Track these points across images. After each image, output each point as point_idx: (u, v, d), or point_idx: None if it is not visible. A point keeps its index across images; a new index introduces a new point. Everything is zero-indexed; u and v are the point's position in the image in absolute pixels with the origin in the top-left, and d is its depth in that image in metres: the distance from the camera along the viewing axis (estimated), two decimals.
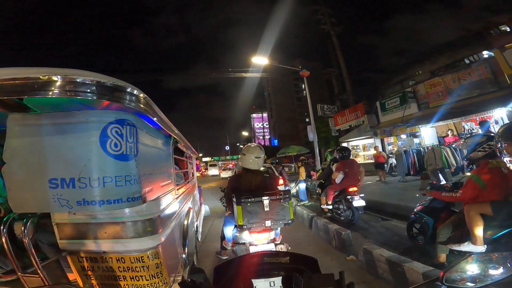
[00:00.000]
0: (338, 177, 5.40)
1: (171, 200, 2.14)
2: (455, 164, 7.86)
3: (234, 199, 2.50)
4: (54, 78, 1.06)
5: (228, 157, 56.92)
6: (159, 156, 2.04)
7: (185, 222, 2.79)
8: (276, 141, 59.73)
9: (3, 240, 1.31)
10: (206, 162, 47.95)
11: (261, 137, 68.04)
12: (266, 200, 2.49)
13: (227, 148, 63.27)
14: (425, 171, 7.78)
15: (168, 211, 1.94)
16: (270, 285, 1.01)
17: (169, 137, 2.42)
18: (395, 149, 13.43)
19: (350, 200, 5.09)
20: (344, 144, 14.97)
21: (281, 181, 8.13)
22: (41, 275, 1.31)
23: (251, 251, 2.60)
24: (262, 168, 3.17)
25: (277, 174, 8.95)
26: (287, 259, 1.08)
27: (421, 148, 9.94)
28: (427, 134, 11.59)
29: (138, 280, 1.55)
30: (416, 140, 11.49)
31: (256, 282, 1.00)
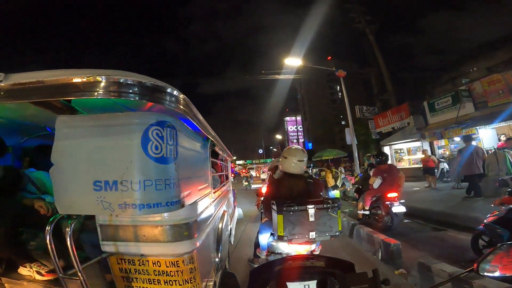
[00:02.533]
0: (376, 182, 5.18)
1: (208, 204, 2.14)
2: None
3: (275, 207, 2.23)
4: (99, 78, 1.09)
5: (261, 160, 57.10)
6: (197, 159, 1.99)
7: (220, 226, 2.73)
8: (310, 144, 58.40)
9: (48, 240, 1.34)
10: (240, 165, 48.57)
11: (294, 140, 67.20)
12: (311, 209, 2.21)
13: (261, 151, 63.57)
14: (502, 178, 6.75)
15: (204, 215, 1.94)
16: None
17: (207, 139, 2.39)
18: (447, 152, 12.12)
19: (389, 206, 4.83)
20: (386, 148, 14.03)
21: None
22: (81, 278, 1.31)
23: None
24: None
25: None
26: (322, 263, 1.08)
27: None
28: (486, 136, 10.27)
29: (172, 285, 1.53)
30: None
31: (291, 285, 1.00)
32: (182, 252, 1.51)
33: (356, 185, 6.41)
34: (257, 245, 2.95)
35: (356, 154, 12.37)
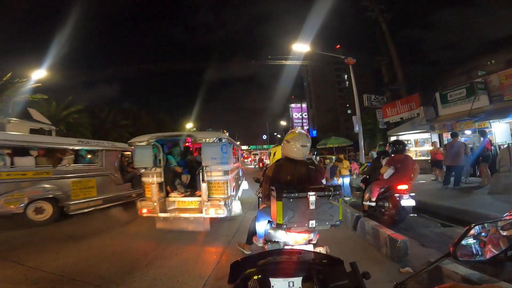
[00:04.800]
0: (387, 172, 4.88)
1: (233, 167, 5.41)
2: None
3: (274, 193, 2.08)
4: (214, 138, 4.64)
5: (265, 146, 56.98)
6: (231, 152, 5.21)
7: (235, 177, 6.24)
8: (315, 132, 57.94)
9: (185, 178, 5.50)
10: (244, 151, 48.64)
11: (299, 128, 66.67)
12: (312, 197, 2.06)
13: (265, 137, 63.38)
14: None
15: (232, 170, 5.25)
16: (289, 285, 0.94)
17: (231, 144, 5.36)
18: None
19: (398, 198, 4.57)
20: (393, 138, 13.74)
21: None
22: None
23: None
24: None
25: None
26: (310, 258, 1.03)
27: (493, 147, 8.54)
28: (499, 131, 9.92)
29: (220, 189, 4.72)
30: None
31: (274, 281, 0.94)
32: (225, 179, 4.72)
33: (363, 175, 6.15)
34: (253, 232, 2.86)
35: (362, 143, 12.15)
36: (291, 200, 2.05)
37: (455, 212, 5.37)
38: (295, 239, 2.31)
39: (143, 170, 4.79)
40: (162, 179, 4.89)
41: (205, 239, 4.44)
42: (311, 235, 2.35)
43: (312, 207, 2.07)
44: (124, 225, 5.33)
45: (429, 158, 10.47)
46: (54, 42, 18.34)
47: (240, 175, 7.66)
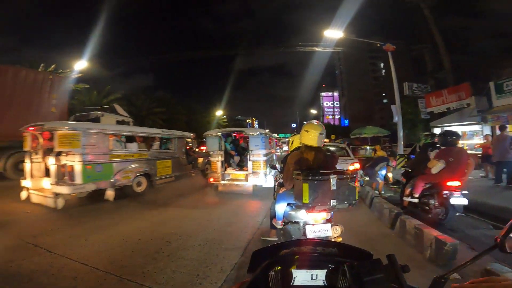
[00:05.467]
0: (437, 167, 4.35)
1: (269, 151, 7.82)
2: None
3: (300, 176, 2.38)
4: (260, 132, 7.11)
5: (293, 134, 56.31)
6: (267, 142, 7.39)
7: (271, 159, 8.20)
8: (346, 121, 55.75)
9: (237, 159, 8.21)
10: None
11: (330, 116, 64.74)
12: (333, 179, 2.36)
13: (294, 125, 62.51)
14: None
15: (269, 152, 7.63)
16: (312, 278, 0.89)
17: (268, 136, 7.58)
18: None
19: (447, 195, 4.15)
20: (437, 130, 12.65)
21: (357, 165, 7.31)
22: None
23: (306, 230, 2.56)
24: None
25: (352, 156, 8.08)
26: (335, 250, 0.98)
27: None
28: None
29: (260, 166, 6.82)
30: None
31: (296, 272, 0.89)
32: (263, 160, 6.83)
33: (405, 168, 5.63)
34: (273, 215, 3.10)
35: (401, 134, 11.32)
36: (316, 182, 2.33)
37: (510, 214, 4.77)
38: (315, 219, 2.59)
39: (211, 152, 7.14)
40: (223, 159, 7.21)
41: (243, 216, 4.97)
42: (329, 215, 2.64)
43: (333, 188, 2.35)
44: (193, 193, 7.42)
45: (479, 152, 9.46)
46: (92, 34, 19.57)
47: (274, 158, 9.08)
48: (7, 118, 8.32)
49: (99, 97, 22.78)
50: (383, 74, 56.05)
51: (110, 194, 5.86)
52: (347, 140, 18.43)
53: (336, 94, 67.37)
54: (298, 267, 0.90)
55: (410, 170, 5.41)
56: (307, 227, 2.57)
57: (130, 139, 6.91)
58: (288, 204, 2.89)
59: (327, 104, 68.08)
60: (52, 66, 17.34)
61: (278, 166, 4.10)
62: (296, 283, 0.88)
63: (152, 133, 7.68)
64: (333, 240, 2.57)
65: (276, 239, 3.32)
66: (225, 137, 7.92)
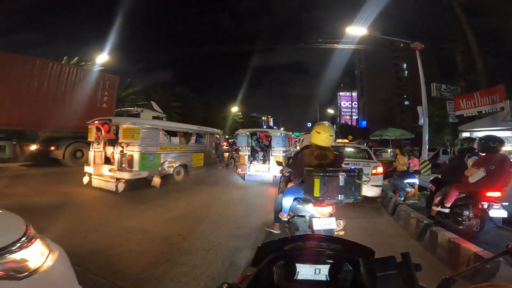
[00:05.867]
0: (476, 175, 3.88)
1: (288, 149, 9.40)
2: None
3: (312, 172, 2.61)
4: (281, 132, 9.06)
5: (304, 134, 55.74)
6: (287, 140, 9.26)
7: (289, 155, 8.32)
8: (364, 122, 54.24)
9: (261, 154, 9.87)
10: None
11: (348, 117, 63.34)
12: (342, 176, 2.58)
13: (309, 125, 61.67)
14: None
15: (287, 149, 9.14)
16: (315, 272, 0.91)
17: (287, 136, 9.47)
18: None
19: (485, 207, 3.79)
20: (466, 134, 11.89)
21: (380, 169, 6.84)
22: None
23: (313, 223, 2.77)
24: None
25: (374, 159, 7.55)
26: (339, 246, 1.01)
27: None
28: None
29: (279, 160, 5.86)
30: None
31: (300, 267, 0.91)
32: (283, 155, 8.17)
33: (436, 174, 5.21)
34: (279, 209, 3.28)
35: (426, 137, 10.70)
36: (326, 177, 2.55)
37: None
38: (321, 212, 2.82)
39: (240, 148, 8.76)
40: (249, 153, 8.79)
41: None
42: (334, 209, 2.87)
43: (342, 183, 2.57)
44: (221, 182, 8.55)
45: None
46: (113, 28, 19.98)
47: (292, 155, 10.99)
48: (63, 112, 9.67)
49: (118, 90, 23.26)
50: (406, 75, 53.91)
51: (157, 181, 6.66)
52: (366, 141, 17.78)
53: (354, 94, 65.74)
54: (302, 262, 0.92)
55: (441, 177, 5.01)
56: (313, 220, 2.80)
57: (172, 133, 7.93)
58: (295, 199, 3.09)
59: (344, 104, 66.57)
60: (75, 59, 17.86)
61: (282, 163, 4.63)
62: (299, 277, 0.90)
63: (190, 129, 8.80)
64: (336, 233, 2.83)
65: (279, 232, 3.51)
66: (252, 136, 9.33)
